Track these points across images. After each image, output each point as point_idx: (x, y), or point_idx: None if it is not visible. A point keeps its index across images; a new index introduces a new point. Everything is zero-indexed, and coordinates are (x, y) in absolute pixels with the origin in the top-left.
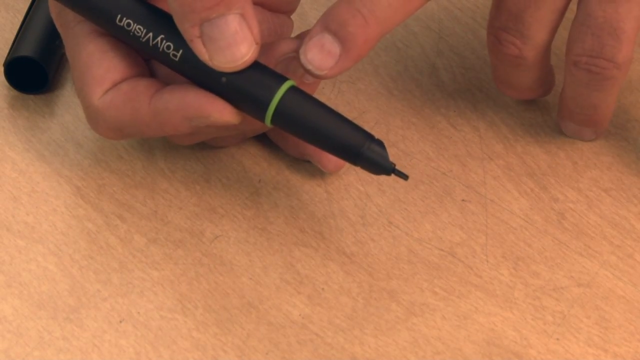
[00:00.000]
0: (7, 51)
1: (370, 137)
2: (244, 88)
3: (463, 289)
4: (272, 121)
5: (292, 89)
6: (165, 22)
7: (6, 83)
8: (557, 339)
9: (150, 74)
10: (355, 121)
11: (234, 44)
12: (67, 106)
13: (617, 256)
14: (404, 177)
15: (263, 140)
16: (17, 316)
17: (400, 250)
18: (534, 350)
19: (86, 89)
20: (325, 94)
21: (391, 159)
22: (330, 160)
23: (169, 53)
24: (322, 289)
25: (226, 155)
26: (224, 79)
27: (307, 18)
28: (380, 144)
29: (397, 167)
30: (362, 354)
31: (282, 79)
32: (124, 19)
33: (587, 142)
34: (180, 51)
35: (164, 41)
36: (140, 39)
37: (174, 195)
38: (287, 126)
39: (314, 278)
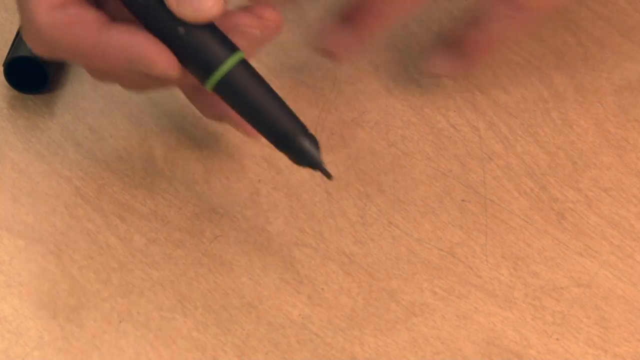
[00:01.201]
0: (7, 51)
1: (304, 129)
2: (196, 46)
3: (463, 289)
4: (214, 88)
5: (243, 62)
6: None
7: (6, 83)
8: (557, 339)
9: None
10: (355, 121)
11: None
12: (66, 106)
13: (616, 256)
14: (329, 176)
15: (263, 140)
16: (16, 316)
17: (400, 250)
18: (533, 350)
19: (31, 1)
20: (324, 95)
21: (391, 159)
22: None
23: None
24: (322, 289)
25: (226, 155)
26: (182, 30)
27: (307, 18)
28: (313, 139)
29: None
30: (362, 354)
31: (235, 49)
32: None
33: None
34: None
35: None
36: None
37: (173, 195)
38: (228, 97)
39: (313, 278)
